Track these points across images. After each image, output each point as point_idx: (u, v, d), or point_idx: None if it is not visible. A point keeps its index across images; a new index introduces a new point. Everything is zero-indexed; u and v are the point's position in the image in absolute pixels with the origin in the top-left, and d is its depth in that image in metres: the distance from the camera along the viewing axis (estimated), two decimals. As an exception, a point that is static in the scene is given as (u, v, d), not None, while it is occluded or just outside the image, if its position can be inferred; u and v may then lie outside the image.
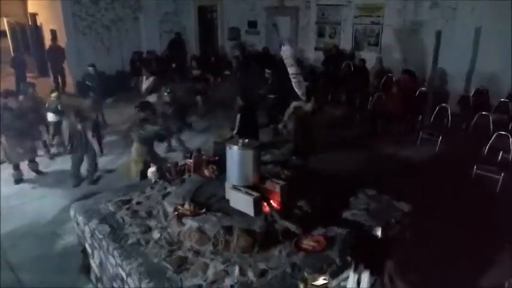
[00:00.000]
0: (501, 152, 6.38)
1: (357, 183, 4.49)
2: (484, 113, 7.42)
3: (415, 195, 4.73)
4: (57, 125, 7.53)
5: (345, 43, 11.35)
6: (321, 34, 12.02)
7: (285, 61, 6.49)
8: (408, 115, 8.41)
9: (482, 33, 8.51)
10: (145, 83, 8.94)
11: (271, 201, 3.56)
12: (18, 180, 6.50)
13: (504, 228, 4.73)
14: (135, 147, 5.59)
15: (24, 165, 6.67)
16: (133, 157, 5.61)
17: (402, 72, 9.39)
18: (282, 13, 12.98)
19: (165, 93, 7.46)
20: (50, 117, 7.37)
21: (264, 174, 3.88)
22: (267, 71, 8.80)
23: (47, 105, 7.33)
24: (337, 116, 9.16)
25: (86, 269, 4.17)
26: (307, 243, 3.35)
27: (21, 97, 7.04)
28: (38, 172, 6.75)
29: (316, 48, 12.19)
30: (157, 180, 4.49)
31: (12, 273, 4.37)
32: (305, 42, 12.53)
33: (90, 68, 9.15)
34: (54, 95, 7.43)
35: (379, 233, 3.12)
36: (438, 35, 7.82)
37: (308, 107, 6.04)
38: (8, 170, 6.74)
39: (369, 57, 10.54)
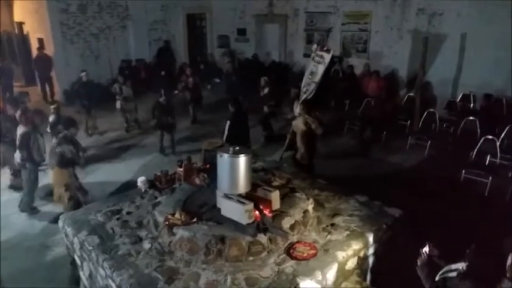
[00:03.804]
0: (489, 156, 6.47)
1: (348, 189, 4.50)
2: (471, 118, 7.53)
3: (405, 200, 4.77)
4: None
5: (334, 50, 11.43)
6: (309, 41, 12.12)
7: (318, 66, 6.27)
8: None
9: (468, 38, 8.67)
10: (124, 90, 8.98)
11: (263, 209, 3.55)
12: (16, 187, 6.38)
13: (492, 231, 4.77)
14: (55, 171, 5.09)
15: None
16: (54, 182, 5.16)
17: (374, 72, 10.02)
18: (270, 21, 13.08)
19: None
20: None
21: (256, 182, 3.87)
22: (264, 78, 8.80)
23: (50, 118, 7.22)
24: (326, 122, 9.21)
25: (75, 281, 4.10)
26: (300, 250, 3.34)
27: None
28: (15, 188, 6.40)
29: (305, 55, 12.28)
30: (147, 189, 4.44)
31: (0, 286, 4.29)
32: (294, 49, 12.65)
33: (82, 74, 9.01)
34: (53, 106, 7.38)
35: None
36: (425, 41, 7.94)
37: (316, 127, 5.89)
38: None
39: (357, 63, 10.68)
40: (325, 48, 6.34)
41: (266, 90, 8.62)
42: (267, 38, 13.53)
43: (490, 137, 6.59)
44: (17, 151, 5.69)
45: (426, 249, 2.83)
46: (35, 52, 11.94)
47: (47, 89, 11.74)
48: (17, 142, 5.67)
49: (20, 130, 5.69)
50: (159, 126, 8.00)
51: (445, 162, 7.02)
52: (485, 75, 8.35)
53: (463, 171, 6.42)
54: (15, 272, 4.47)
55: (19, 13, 13.05)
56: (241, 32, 14.05)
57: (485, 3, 8.23)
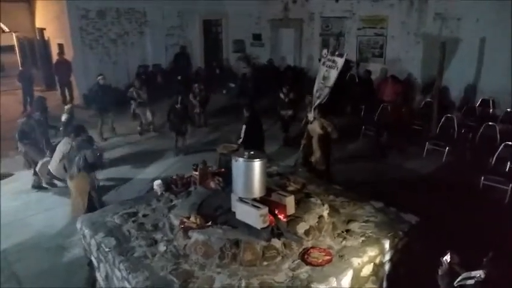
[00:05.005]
0: (509, 163, 6.33)
1: (363, 195, 4.46)
2: (490, 123, 7.38)
3: (422, 206, 4.69)
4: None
5: (350, 55, 11.37)
6: (325, 46, 12.06)
7: (330, 71, 6.23)
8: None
9: (487, 43, 8.51)
10: (140, 94, 9.09)
11: (278, 214, 3.54)
12: (38, 186, 6.60)
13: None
14: (78, 178, 5.19)
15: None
16: (77, 190, 5.25)
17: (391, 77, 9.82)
18: (286, 25, 13.11)
19: None
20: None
21: (271, 186, 3.87)
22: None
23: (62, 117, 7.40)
24: (342, 127, 9.16)
25: (92, 282, 4.15)
26: (315, 256, 3.32)
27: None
28: (40, 187, 6.64)
29: (320, 60, 12.24)
30: (163, 192, 4.48)
31: (19, 287, 4.37)
32: (309, 54, 12.63)
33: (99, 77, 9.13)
34: (67, 107, 7.56)
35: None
36: (443, 46, 7.83)
37: (332, 130, 5.91)
38: (13, 183, 6.82)
39: (373, 68, 10.60)
40: (337, 53, 6.30)
41: (290, 96, 8.66)
42: (282, 43, 13.56)
43: (510, 143, 6.46)
44: (47, 160, 5.88)
45: (447, 257, 2.78)
46: (55, 57, 12.23)
47: (67, 93, 11.99)
48: (59, 156, 5.67)
49: (64, 146, 5.63)
50: (173, 130, 8.27)
51: (463, 168, 6.89)
52: (503, 80, 8.19)
53: (482, 177, 6.29)
54: (33, 273, 4.55)
55: (41, 20, 13.40)
56: (257, 36, 14.12)
57: (504, 4, 8.07)
